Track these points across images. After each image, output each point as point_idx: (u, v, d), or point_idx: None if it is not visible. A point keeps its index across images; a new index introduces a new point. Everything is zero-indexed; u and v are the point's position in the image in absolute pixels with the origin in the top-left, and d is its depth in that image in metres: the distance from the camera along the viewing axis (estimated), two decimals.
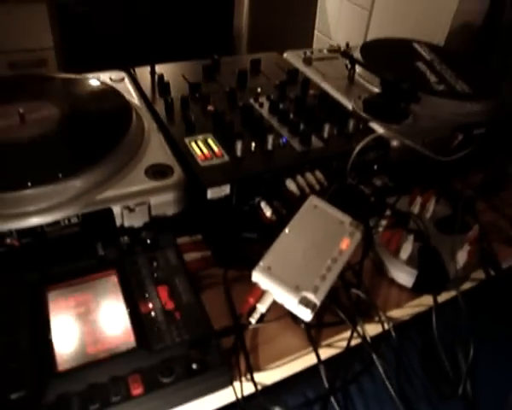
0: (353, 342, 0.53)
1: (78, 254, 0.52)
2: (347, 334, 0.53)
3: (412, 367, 0.56)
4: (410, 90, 0.71)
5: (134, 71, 0.79)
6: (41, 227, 0.52)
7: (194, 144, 0.62)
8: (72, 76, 0.73)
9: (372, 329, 0.54)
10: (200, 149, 0.62)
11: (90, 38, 1.49)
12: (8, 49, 1.20)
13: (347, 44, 0.94)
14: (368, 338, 0.52)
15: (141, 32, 1.60)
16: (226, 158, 0.61)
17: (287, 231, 0.54)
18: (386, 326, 0.55)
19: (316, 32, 1.49)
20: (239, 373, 0.47)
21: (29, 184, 0.50)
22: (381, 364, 0.51)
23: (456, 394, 0.53)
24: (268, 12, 1.66)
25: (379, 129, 0.70)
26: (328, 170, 0.64)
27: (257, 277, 0.51)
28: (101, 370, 0.42)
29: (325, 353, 0.52)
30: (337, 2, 1.38)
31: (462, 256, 0.57)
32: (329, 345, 0.52)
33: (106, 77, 0.76)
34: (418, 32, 1.14)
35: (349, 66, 0.82)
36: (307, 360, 0.51)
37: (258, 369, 0.48)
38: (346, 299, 0.55)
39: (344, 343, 0.53)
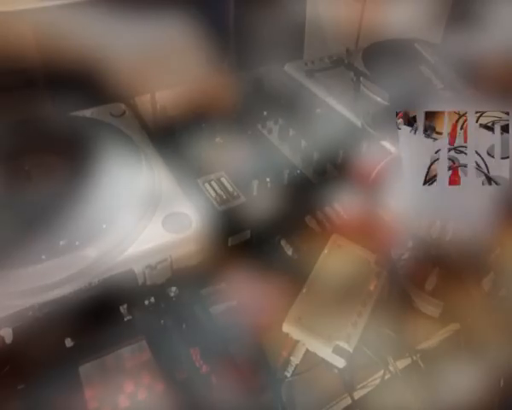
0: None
1: (101, 319, 0.51)
2: (380, 372, 0.53)
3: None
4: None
5: (134, 102, 0.77)
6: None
7: (208, 186, 0.61)
8: (74, 117, 0.70)
9: (401, 363, 0.55)
10: (215, 191, 0.60)
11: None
12: None
13: (347, 50, 0.92)
14: (399, 375, 0.53)
15: None
16: (243, 199, 0.59)
17: (313, 276, 0.54)
18: (414, 357, 0.55)
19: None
20: None
21: (44, 257, 0.48)
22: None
23: None
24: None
25: (391, 148, 0.69)
26: (345, 198, 0.63)
27: (288, 328, 0.50)
28: None
29: (359, 393, 0.52)
30: None
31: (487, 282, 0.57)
32: (363, 386, 0.53)
33: (106, 111, 0.74)
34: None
35: (354, 79, 0.80)
36: (343, 403, 0.52)
37: None
38: (376, 336, 0.55)
39: (376, 382, 0.53)
